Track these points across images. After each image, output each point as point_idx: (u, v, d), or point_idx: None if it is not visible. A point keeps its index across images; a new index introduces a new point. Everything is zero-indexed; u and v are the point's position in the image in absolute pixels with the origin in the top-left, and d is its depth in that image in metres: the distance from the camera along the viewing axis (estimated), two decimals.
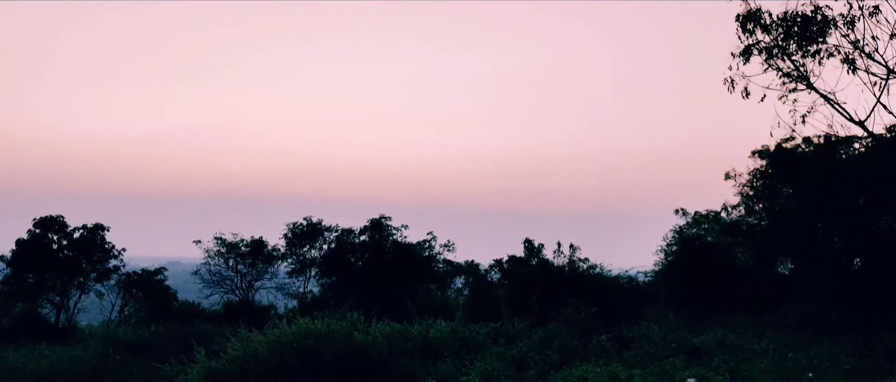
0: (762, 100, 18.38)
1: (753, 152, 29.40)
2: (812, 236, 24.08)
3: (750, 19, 18.32)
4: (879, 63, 17.29)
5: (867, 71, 17.38)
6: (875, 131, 18.89)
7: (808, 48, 17.89)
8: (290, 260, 40.16)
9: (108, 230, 39.49)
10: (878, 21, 17.16)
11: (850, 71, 17.48)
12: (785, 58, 18.19)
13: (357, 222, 39.45)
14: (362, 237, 38.38)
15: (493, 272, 35.72)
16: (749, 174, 29.94)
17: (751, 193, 30.40)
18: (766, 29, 18.22)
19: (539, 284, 25.86)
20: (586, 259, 31.23)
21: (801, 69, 18.09)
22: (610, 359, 17.60)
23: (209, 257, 39.81)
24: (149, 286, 39.02)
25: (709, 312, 25.28)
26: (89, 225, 39.24)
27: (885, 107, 17.43)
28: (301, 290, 39.88)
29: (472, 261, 38.92)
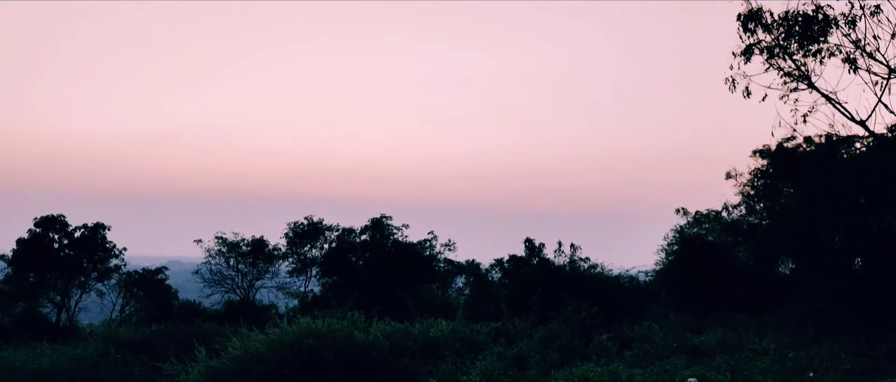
0: (763, 99, 18.38)
1: (754, 152, 29.42)
2: (813, 236, 24.07)
3: (751, 19, 18.31)
4: (881, 62, 17.28)
5: (868, 70, 17.38)
6: (876, 131, 18.89)
7: (810, 48, 17.88)
8: (290, 259, 40.23)
9: (108, 230, 39.60)
10: (879, 20, 17.15)
11: (851, 70, 17.47)
12: (786, 57, 18.18)
13: (358, 221, 39.59)
14: (363, 237, 38.40)
15: (493, 272, 35.73)
16: (750, 174, 29.96)
17: (752, 192, 30.41)
18: (767, 28, 18.21)
19: (540, 283, 25.86)
20: (587, 259, 31.28)
21: (803, 69, 18.07)
22: (611, 359, 17.59)
23: (210, 256, 39.90)
24: (150, 286, 39.08)
25: (710, 311, 25.28)
26: (90, 224, 39.33)
27: (886, 106, 17.43)
28: (302, 289, 39.91)
29: (473, 260, 38.92)
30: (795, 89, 18.24)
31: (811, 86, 18.08)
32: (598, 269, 30.94)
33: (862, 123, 17.82)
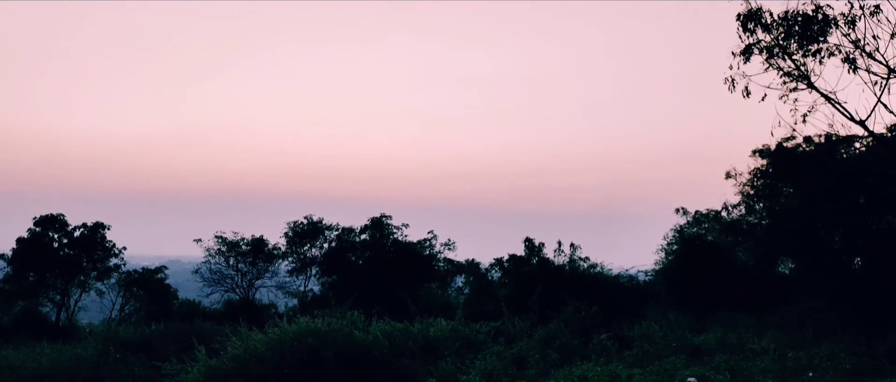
0: (763, 99, 18.38)
1: (754, 152, 29.45)
2: (813, 236, 24.08)
3: (751, 18, 18.31)
4: (880, 62, 17.29)
5: (868, 70, 17.38)
6: (876, 131, 18.90)
7: (809, 47, 17.88)
8: (290, 259, 40.23)
9: (108, 229, 39.60)
10: (878, 20, 17.15)
11: (850, 70, 17.47)
12: (786, 57, 18.18)
13: (358, 220, 39.56)
14: (363, 236, 38.41)
15: (493, 271, 35.75)
16: (750, 173, 30.00)
17: (751, 192, 30.45)
18: (766, 28, 18.21)
19: (539, 283, 25.86)
20: (587, 258, 31.29)
21: (802, 69, 18.07)
22: (610, 358, 17.59)
23: (210, 255, 39.89)
24: (149, 285, 39.09)
25: (709, 311, 25.30)
26: (90, 224, 39.32)
27: (885, 106, 17.43)
28: (301, 289, 39.93)
29: (473, 260, 38.94)
30: (795, 89, 18.24)
31: (810, 86, 18.08)
32: (598, 269, 30.95)
33: (861, 123, 17.82)
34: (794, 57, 18.09)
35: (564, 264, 30.99)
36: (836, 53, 17.66)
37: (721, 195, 41.44)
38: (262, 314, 34.31)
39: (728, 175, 30.73)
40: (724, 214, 33.29)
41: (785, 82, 18.29)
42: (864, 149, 24.34)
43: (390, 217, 38.34)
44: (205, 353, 17.72)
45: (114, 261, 39.55)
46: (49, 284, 38.36)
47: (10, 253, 38.03)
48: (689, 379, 14.40)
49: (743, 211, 32.07)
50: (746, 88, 18.40)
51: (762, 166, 29.39)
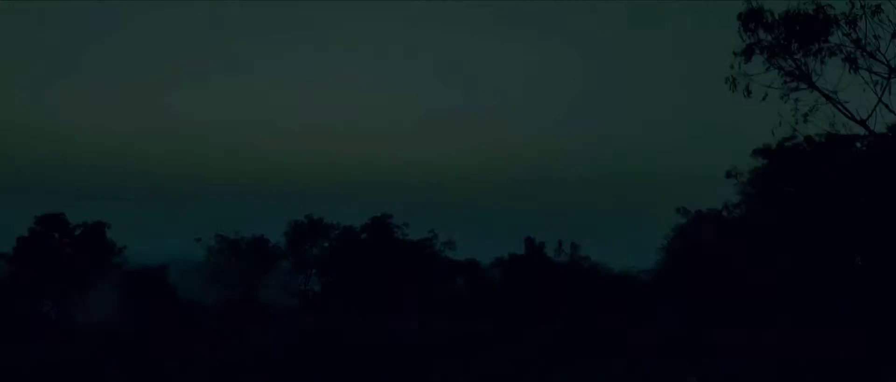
0: (764, 99, 18.30)
1: (755, 151, 29.43)
2: (813, 235, 24.10)
3: (752, 18, 18.27)
4: (881, 62, 17.24)
5: (869, 70, 17.31)
6: (876, 131, 18.83)
7: (811, 47, 17.83)
8: (291, 258, 40.20)
9: (109, 228, 39.57)
10: (880, 20, 17.10)
11: (851, 70, 17.42)
12: (787, 57, 18.15)
13: (358, 220, 39.54)
14: (363, 235, 38.41)
15: (494, 271, 35.78)
16: (750, 173, 29.99)
17: (752, 191, 30.45)
18: (768, 28, 18.16)
19: (540, 282, 25.90)
20: (587, 257, 31.33)
21: (803, 68, 18.02)
22: (610, 357, 17.61)
23: (211, 254, 39.84)
24: (150, 284, 39.04)
25: (709, 310, 25.32)
26: (90, 223, 39.28)
27: (886, 106, 17.39)
28: (302, 288, 39.90)
29: (473, 259, 38.94)
30: (796, 89, 18.17)
31: (812, 85, 18.02)
32: (598, 268, 30.99)
33: (862, 123, 17.76)
34: (795, 57, 18.05)
35: (565, 263, 31.03)
36: (838, 52, 17.61)
37: (721, 195, 41.46)
38: (263, 313, 34.29)
39: (729, 175, 30.73)
40: (724, 213, 33.30)
41: (786, 82, 18.22)
42: (864, 149, 24.33)
43: (391, 217, 38.40)
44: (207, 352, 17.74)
45: (114, 260, 39.52)
46: (49, 283, 38.34)
47: (11, 252, 38.01)
48: (690, 379, 14.42)
49: (743, 210, 32.08)
50: (747, 87, 18.35)
51: (763, 165, 29.39)
